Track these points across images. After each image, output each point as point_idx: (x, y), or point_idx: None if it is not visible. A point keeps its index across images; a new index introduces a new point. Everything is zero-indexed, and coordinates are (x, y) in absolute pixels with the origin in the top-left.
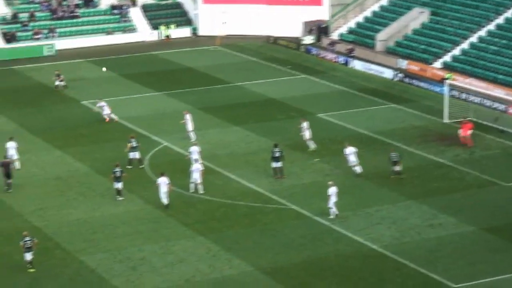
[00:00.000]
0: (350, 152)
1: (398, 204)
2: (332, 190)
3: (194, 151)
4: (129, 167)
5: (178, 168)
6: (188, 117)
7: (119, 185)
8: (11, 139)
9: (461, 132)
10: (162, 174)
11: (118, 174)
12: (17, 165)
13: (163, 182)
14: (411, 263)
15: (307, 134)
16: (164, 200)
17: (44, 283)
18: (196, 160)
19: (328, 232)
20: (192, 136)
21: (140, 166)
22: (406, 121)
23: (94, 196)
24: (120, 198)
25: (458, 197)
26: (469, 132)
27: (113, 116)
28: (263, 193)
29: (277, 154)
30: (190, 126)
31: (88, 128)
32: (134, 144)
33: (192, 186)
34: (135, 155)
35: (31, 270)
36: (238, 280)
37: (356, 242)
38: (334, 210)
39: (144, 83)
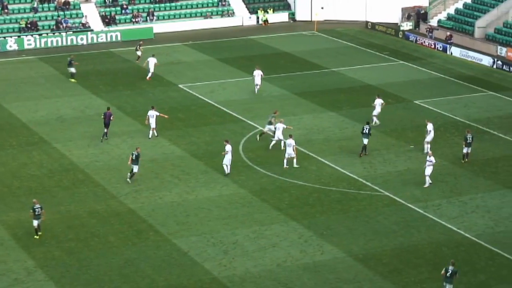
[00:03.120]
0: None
1: (493, 193)
2: (431, 160)
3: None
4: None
5: (272, 153)
6: (256, 73)
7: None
8: (152, 107)
9: None
10: (227, 142)
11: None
12: (151, 133)
13: (230, 150)
14: (505, 253)
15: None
16: (228, 167)
17: (137, 264)
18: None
19: (422, 220)
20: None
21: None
22: (504, 109)
23: (188, 179)
24: None
25: None
26: None
27: None
28: (357, 179)
29: (365, 131)
30: (258, 80)
31: (184, 112)
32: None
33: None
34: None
35: (36, 237)
36: (329, 266)
37: (449, 230)
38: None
39: (241, 67)
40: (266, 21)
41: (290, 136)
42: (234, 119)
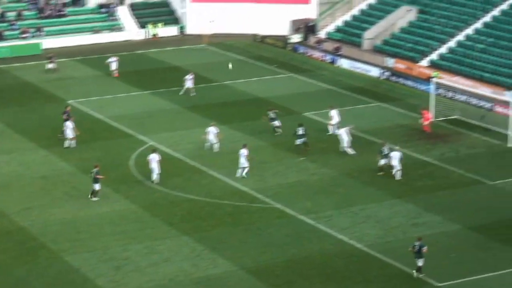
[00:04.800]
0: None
1: (383, 203)
2: (394, 154)
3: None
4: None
5: (162, 168)
6: (188, 77)
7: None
8: (69, 117)
9: (424, 120)
10: (153, 151)
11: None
12: (67, 143)
13: (153, 159)
14: (395, 262)
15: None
16: (154, 175)
17: (29, 283)
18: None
19: (313, 231)
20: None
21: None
22: (392, 119)
23: (79, 196)
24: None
25: (443, 195)
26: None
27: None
28: (248, 192)
29: (300, 132)
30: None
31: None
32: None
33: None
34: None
35: None
36: (222, 279)
37: (340, 241)
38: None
39: (131, 82)
40: (155, 35)
41: (244, 146)
42: (124, 134)
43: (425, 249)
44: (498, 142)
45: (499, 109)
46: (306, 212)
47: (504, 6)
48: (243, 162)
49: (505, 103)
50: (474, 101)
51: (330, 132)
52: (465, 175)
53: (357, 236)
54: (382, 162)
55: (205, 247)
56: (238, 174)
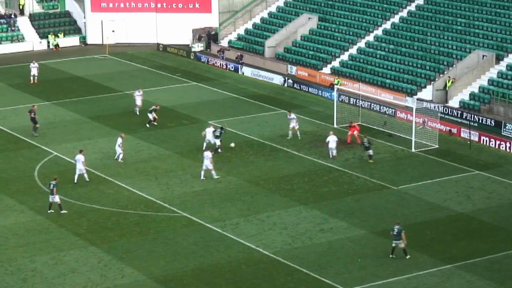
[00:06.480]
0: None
1: (289, 210)
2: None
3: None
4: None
5: (68, 178)
6: (137, 93)
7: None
8: None
9: (350, 132)
10: (80, 152)
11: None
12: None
13: (79, 159)
14: (302, 268)
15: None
16: (76, 176)
17: None
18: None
19: (220, 239)
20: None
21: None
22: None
23: None
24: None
25: (349, 201)
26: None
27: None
28: (155, 201)
29: (216, 133)
30: (139, 101)
31: None
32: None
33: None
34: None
35: None
36: None
37: (248, 248)
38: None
39: (33, 93)
40: (57, 45)
41: (207, 149)
42: (28, 145)
43: (403, 233)
44: (401, 148)
45: (401, 115)
46: (213, 220)
47: (403, 13)
48: (207, 164)
49: (407, 109)
50: (376, 107)
51: (289, 137)
52: (369, 181)
53: (264, 243)
54: (369, 152)
55: (112, 257)
56: (201, 177)
